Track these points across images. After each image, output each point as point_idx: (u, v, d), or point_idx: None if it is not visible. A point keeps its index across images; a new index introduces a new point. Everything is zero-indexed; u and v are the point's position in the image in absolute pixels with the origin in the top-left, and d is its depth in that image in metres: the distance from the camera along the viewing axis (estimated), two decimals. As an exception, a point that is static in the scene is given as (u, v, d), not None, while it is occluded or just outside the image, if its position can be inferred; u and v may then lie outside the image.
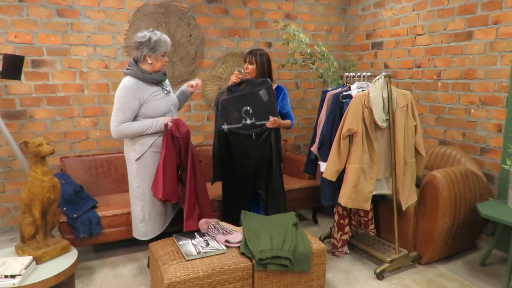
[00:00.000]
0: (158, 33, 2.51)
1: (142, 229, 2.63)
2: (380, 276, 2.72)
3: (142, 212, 2.60)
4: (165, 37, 2.53)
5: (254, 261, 2.21)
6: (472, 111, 3.25)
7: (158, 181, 2.49)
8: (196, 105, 3.94)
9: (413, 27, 3.73)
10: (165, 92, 2.61)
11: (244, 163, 2.87)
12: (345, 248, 3.09)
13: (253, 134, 2.83)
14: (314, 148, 3.09)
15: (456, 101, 3.38)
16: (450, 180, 2.76)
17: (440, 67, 3.50)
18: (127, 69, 2.53)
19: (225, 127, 2.81)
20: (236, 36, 4.04)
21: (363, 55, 4.41)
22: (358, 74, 2.89)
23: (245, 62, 2.95)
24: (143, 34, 2.48)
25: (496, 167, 3.09)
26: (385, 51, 4.09)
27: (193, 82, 2.80)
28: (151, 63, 2.51)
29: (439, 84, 3.52)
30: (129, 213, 2.90)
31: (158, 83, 2.58)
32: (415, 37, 3.72)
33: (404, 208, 2.73)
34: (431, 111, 3.61)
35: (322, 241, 3.21)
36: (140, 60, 2.52)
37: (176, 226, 2.86)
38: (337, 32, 4.57)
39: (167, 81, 2.72)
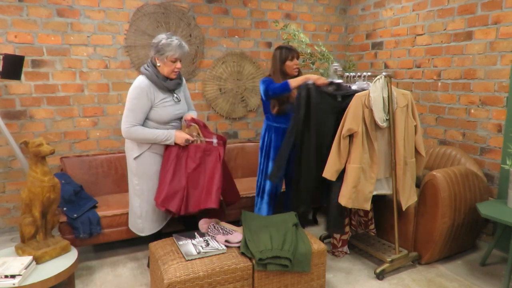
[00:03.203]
0: (174, 38, 2.47)
1: (139, 225, 2.65)
2: (380, 276, 2.72)
3: (140, 209, 2.62)
4: (177, 43, 2.45)
5: (254, 261, 2.21)
6: (472, 111, 3.25)
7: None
8: (196, 105, 3.93)
9: (413, 27, 3.73)
10: (175, 100, 2.60)
11: (321, 128, 2.64)
12: (345, 248, 3.09)
13: (338, 96, 2.64)
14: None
15: (456, 101, 3.38)
16: (450, 180, 2.76)
17: (440, 67, 3.50)
18: (145, 68, 2.51)
19: (310, 81, 2.66)
20: (236, 36, 4.04)
21: (363, 55, 4.41)
22: (359, 74, 2.88)
23: (292, 58, 2.90)
24: (160, 36, 2.48)
25: (496, 167, 3.09)
26: (385, 51, 4.09)
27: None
28: (159, 66, 2.50)
29: (439, 84, 3.52)
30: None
31: (171, 91, 2.58)
32: (415, 37, 3.72)
33: (404, 208, 2.72)
34: (431, 111, 3.61)
35: (322, 241, 3.21)
36: (154, 62, 2.52)
37: (176, 226, 2.86)
38: (337, 32, 4.57)
39: (181, 89, 2.68)
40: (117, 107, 3.63)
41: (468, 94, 3.27)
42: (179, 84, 2.61)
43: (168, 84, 2.52)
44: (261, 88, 2.90)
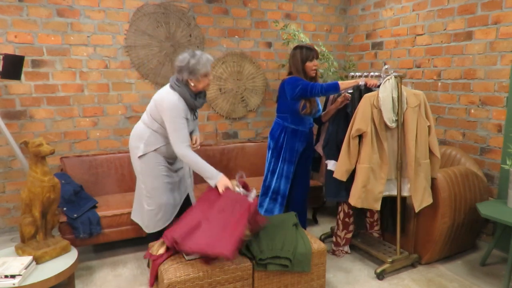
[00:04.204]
0: (198, 54, 2.47)
1: (145, 222, 2.66)
2: (380, 276, 2.72)
3: (147, 206, 2.61)
4: (205, 58, 2.48)
5: (254, 261, 2.21)
6: (472, 111, 3.25)
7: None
8: (196, 105, 3.94)
9: (413, 27, 3.73)
10: (194, 118, 2.64)
11: None
12: (346, 248, 3.09)
13: None
14: (318, 148, 3.11)
15: (456, 101, 3.38)
16: (450, 180, 2.75)
17: (440, 67, 3.50)
18: (176, 84, 2.49)
19: (362, 83, 2.73)
20: (236, 36, 4.04)
21: (363, 55, 4.41)
22: (365, 74, 2.88)
23: (312, 59, 2.86)
24: (183, 57, 2.46)
25: (496, 167, 3.09)
26: (385, 51, 4.09)
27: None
28: (193, 85, 2.51)
29: (439, 84, 3.52)
30: (129, 213, 2.90)
31: (194, 109, 2.61)
32: (415, 37, 3.72)
33: (417, 210, 2.68)
34: (431, 111, 3.60)
35: (323, 241, 3.21)
36: (184, 82, 2.52)
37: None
38: (337, 32, 4.57)
39: None
40: (117, 107, 3.63)
41: (468, 94, 3.27)
42: (204, 103, 2.66)
43: (198, 103, 2.56)
44: (291, 87, 2.80)
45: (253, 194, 2.40)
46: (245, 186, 2.50)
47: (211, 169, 2.49)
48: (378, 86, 2.69)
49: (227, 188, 2.41)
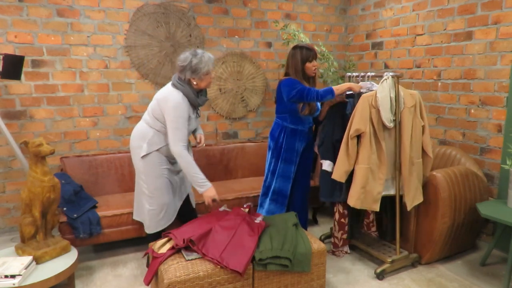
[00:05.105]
0: (199, 53, 2.48)
1: (146, 222, 2.66)
2: (380, 276, 2.72)
3: (149, 206, 2.62)
4: (207, 57, 2.49)
5: (254, 261, 2.21)
6: (472, 111, 3.25)
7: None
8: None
9: (413, 27, 3.73)
10: (197, 116, 2.65)
11: None
12: (346, 248, 3.09)
13: None
14: (314, 147, 3.10)
15: (456, 101, 3.38)
16: (450, 180, 2.75)
17: (440, 67, 3.50)
18: (179, 83, 2.50)
19: (364, 89, 2.75)
20: (236, 36, 4.04)
21: (363, 55, 4.41)
22: (362, 74, 2.88)
23: (312, 59, 2.82)
24: (185, 57, 2.47)
25: (496, 167, 3.09)
26: (385, 51, 4.09)
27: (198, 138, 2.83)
28: (196, 84, 2.53)
29: (439, 84, 3.52)
30: (129, 213, 2.91)
31: (197, 107, 2.63)
32: (415, 37, 3.72)
33: (409, 209, 2.70)
34: (431, 111, 3.61)
35: (323, 241, 3.21)
36: (187, 81, 2.53)
37: (177, 226, 2.86)
38: (337, 32, 4.57)
39: None
40: (117, 107, 3.63)
41: (468, 94, 3.27)
42: (206, 101, 2.67)
43: (200, 101, 2.58)
44: (287, 90, 2.78)
45: (259, 218, 2.54)
46: (250, 211, 2.66)
47: (202, 176, 2.54)
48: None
49: (236, 207, 2.57)
